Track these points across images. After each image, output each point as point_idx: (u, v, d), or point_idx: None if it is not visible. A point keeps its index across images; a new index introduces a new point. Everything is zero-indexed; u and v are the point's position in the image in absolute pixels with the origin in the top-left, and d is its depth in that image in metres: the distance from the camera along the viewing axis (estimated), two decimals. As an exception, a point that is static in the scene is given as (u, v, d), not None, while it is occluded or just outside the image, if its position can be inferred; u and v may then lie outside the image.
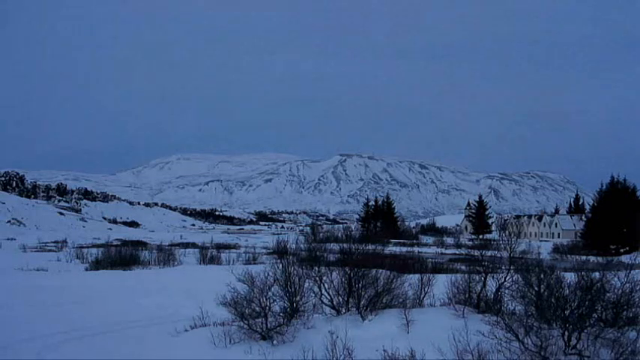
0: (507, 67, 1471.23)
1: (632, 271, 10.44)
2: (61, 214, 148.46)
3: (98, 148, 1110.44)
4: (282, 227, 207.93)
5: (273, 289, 11.82)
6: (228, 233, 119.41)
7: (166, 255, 36.62)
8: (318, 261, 17.88)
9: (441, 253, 50.31)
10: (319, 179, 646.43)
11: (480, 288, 12.36)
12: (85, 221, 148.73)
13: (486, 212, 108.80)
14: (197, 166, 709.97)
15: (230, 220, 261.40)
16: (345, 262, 13.60)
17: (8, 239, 66.51)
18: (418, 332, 10.55)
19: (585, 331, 9.16)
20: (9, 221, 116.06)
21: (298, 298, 12.04)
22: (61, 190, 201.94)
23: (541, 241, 78.00)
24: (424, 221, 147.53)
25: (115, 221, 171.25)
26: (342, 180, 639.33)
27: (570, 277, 10.76)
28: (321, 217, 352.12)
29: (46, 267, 30.53)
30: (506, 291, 11.77)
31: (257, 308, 11.57)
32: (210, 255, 38.30)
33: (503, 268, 12.90)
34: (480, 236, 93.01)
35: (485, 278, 12.44)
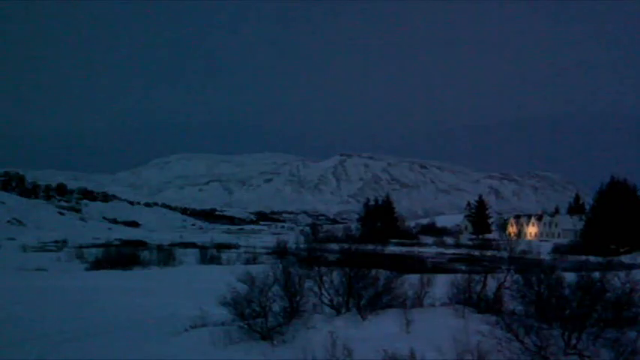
0: (508, 66, 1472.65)
1: (632, 271, 10.43)
2: (61, 213, 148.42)
3: (98, 148, 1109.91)
4: (282, 227, 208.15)
5: (273, 289, 11.81)
6: (229, 233, 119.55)
7: (166, 255, 36.73)
8: (318, 261, 17.88)
9: (441, 253, 50.39)
10: (319, 179, 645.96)
11: (479, 288, 12.36)
12: (85, 221, 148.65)
13: (486, 212, 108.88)
14: (197, 166, 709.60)
15: (230, 220, 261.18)
16: (345, 262, 13.59)
17: (8, 239, 66.54)
18: (418, 332, 10.53)
19: (585, 331, 9.15)
20: (9, 221, 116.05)
21: (298, 298, 12.04)
22: (61, 190, 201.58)
23: (541, 241, 77.98)
24: (424, 221, 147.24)
25: (115, 221, 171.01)
26: (342, 180, 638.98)
27: (570, 277, 10.75)
28: (321, 217, 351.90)
29: (46, 267, 30.60)
30: (506, 291, 11.76)
31: (257, 308, 11.56)
32: (210, 255, 38.42)
33: (503, 268, 12.90)
34: (480, 236, 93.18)
35: (485, 278, 12.43)
